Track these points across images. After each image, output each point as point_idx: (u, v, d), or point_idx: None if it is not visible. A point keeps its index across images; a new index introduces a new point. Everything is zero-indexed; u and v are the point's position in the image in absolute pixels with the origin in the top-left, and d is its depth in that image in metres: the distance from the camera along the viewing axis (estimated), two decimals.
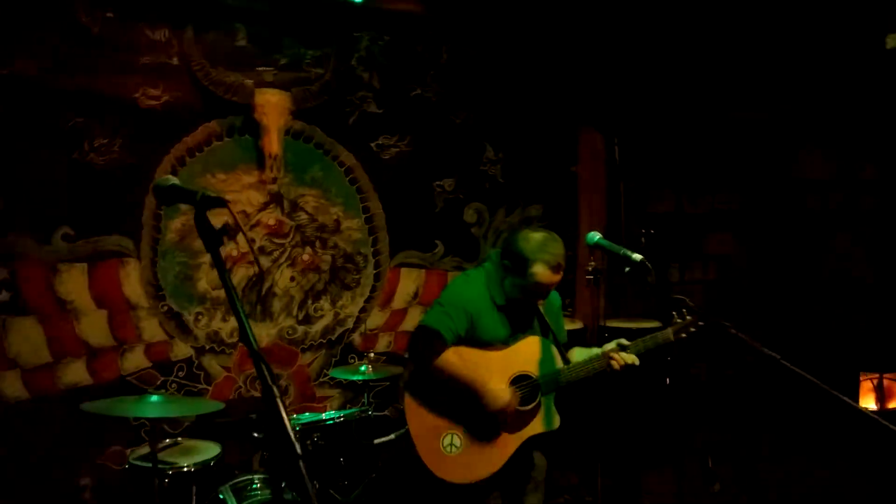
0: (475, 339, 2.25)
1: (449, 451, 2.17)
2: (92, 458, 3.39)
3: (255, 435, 2.89)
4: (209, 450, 2.90)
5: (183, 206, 3.62)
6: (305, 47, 3.91)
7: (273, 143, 3.74)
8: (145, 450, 2.87)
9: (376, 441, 2.74)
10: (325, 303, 4.00)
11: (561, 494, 3.75)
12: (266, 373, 1.21)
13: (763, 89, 5.02)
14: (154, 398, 2.54)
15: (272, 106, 3.73)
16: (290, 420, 2.94)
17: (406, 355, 2.31)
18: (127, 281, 3.52)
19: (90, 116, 3.41)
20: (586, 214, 4.87)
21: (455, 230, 4.36)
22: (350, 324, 4.06)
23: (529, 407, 2.26)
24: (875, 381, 4.34)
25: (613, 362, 2.24)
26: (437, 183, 4.32)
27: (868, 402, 4.38)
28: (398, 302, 4.21)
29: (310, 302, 3.96)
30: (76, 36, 3.35)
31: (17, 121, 3.25)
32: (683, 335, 2.31)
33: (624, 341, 2.29)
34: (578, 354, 2.37)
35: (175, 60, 3.58)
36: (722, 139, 5.23)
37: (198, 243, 3.67)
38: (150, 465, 2.66)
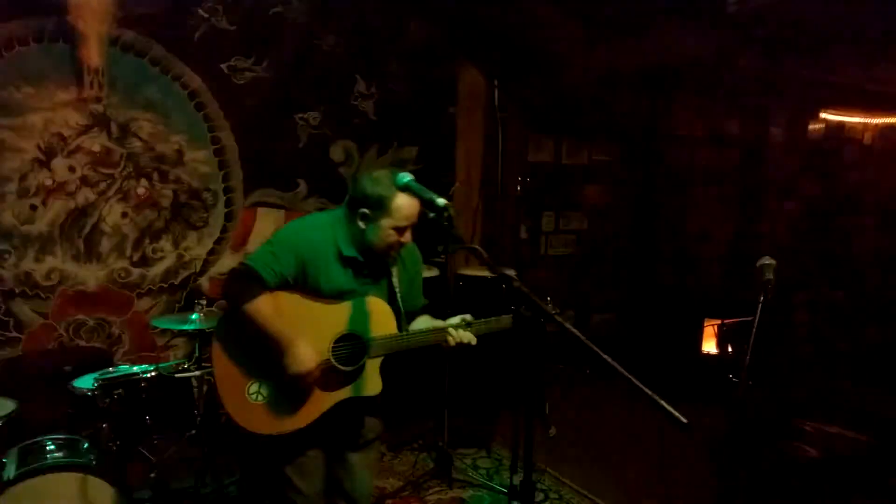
0: (308, 287, 2.02)
1: (254, 398, 2.00)
2: None
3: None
4: (2, 407, 2.46)
5: None
6: None
7: (93, 54, 3.18)
8: None
9: (177, 375, 2.46)
10: (165, 243, 3.55)
11: (416, 440, 3.64)
12: None
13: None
14: None
15: (90, 8, 3.15)
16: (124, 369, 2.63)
17: (221, 293, 2.00)
18: None
19: None
20: (463, 159, 4.66)
21: (320, 169, 4.00)
22: (196, 266, 3.64)
23: (350, 368, 2.07)
24: (716, 327, 4.55)
25: (450, 338, 2.09)
26: (301, 116, 3.92)
27: (710, 346, 4.61)
28: (254, 245, 3.82)
29: (147, 241, 3.50)
30: None
31: None
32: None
33: (468, 317, 2.15)
34: (422, 323, 2.19)
35: None
36: (601, 92, 5.16)
37: (2, 169, 3.10)
38: None
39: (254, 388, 1.98)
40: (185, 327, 2.83)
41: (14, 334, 3.17)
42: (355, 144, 4.13)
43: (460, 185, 4.45)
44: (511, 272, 1.89)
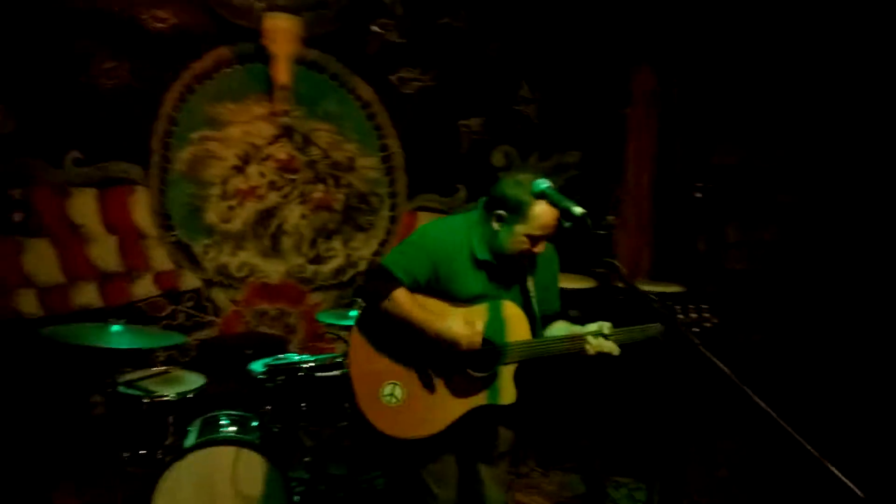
0: (440, 291, 2.02)
1: (388, 400, 2.02)
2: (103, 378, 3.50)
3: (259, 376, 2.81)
4: (193, 381, 2.89)
5: (192, 135, 3.57)
6: None
7: (282, 73, 3.56)
8: (134, 375, 2.92)
9: (317, 374, 2.62)
10: (336, 243, 3.88)
11: (569, 459, 3.56)
12: None
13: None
14: (115, 328, 2.52)
15: (281, 32, 3.52)
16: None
17: (361, 293, 2.13)
18: (136, 208, 3.53)
19: (98, 39, 3.35)
20: (634, 163, 4.41)
21: (481, 174, 4.06)
22: (362, 266, 3.93)
23: (485, 374, 2.02)
24: None
25: (588, 346, 1.98)
26: (464, 122, 4.01)
27: None
28: None
29: (321, 241, 3.85)
30: None
31: (26, 42, 3.24)
32: (693, 333, 2.02)
33: (607, 326, 2.02)
34: (558, 330, 2.11)
35: None
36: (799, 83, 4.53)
37: (207, 174, 3.62)
38: (131, 391, 2.71)
39: (388, 389, 2.01)
40: (344, 323, 3.09)
41: (211, 318, 3.71)
42: (516, 150, 4.13)
43: (626, 191, 4.23)
44: (651, 294, 1.76)
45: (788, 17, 4.18)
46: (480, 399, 2.04)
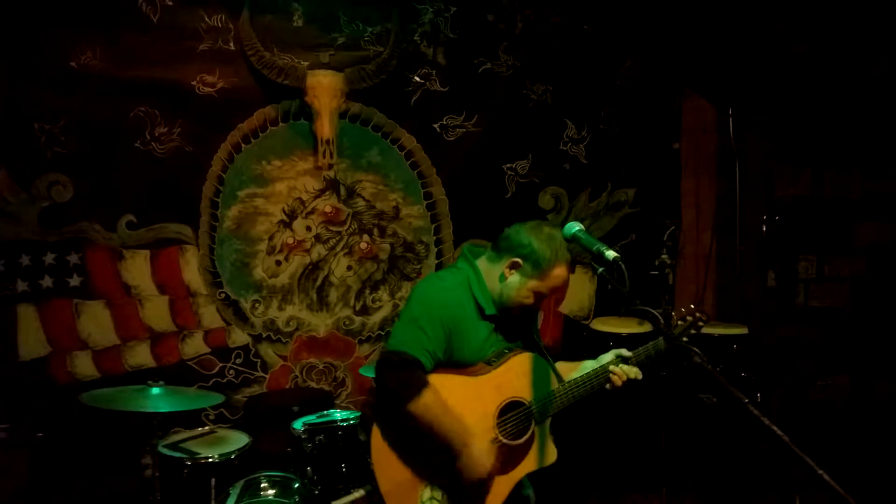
0: (452, 359, 1.87)
1: None
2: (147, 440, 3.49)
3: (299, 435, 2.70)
4: (237, 441, 2.84)
5: (240, 193, 3.62)
6: (364, 24, 3.70)
7: (325, 127, 3.60)
8: (178, 437, 2.89)
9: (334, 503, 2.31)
10: (383, 293, 3.81)
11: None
12: None
13: None
14: (155, 391, 2.50)
15: (323, 88, 3.57)
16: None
17: (375, 387, 1.90)
18: (186, 268, 3.58)
19: (151, 105, 3.48)
20: (690, 199, 4.20)
21: (528, 217, 3.76)
22: None
23: (522, 440, 1.88)
24: None
25: (615, 377, 1.85)
26: (509, 166, 3.93)
27: None
28: None
29: (367, 292, 3.79)
30: (137, 25, 3.41)
31: (84, 112, 3.39)
32: (685, 339, 1.90)
33: (624, 352, 1.89)
34: (568, 369, 1.97)
35: (231, 45, 3.55)
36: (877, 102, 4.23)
37: (254, 231, 3.65)
38: (174, 453, 2.68)
39: (426, 494, 1.82)
40: None
41: (260, 374, 3.67)
42: (565, 190, 4.00)
43: (681, 227, 4.01)
44: (695, 349, 1.58)
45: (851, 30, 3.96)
46: (528, 466, 1.90)
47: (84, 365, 3.45)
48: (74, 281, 3.44)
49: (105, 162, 3.44)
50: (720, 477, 3.41)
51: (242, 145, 3.60)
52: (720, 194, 4.23)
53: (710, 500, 3.44)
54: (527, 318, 2.00)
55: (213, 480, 2.67)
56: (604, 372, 1.87)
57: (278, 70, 3.57)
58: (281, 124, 3.64)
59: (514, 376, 1.90)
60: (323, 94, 3.58)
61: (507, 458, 1.87)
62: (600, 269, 1.72)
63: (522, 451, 1.89)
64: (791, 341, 4.37)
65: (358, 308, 3.78)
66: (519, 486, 1.94)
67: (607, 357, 1.90)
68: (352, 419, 2.73)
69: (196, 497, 2.64)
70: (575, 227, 1.84)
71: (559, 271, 1.86)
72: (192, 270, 3.59)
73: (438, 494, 1.83)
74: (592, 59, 3.95)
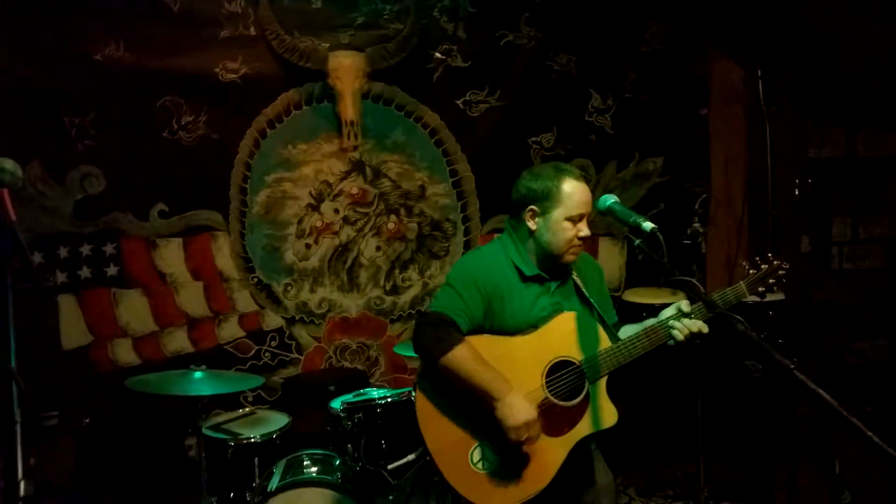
0: (495, 325, 1.84)
1: (482, 467, 1.75)
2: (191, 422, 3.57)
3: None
4: (277, 421, 2.89)
5: (267, 178, 3.64)
6: (383, 2, 3.66)
7: (348, 109, 3.59)
8: (219, 418, 2.95)
9: (390, 467, 2.30)
10: (412, 272, 3.82)
11: (671, 486, 3.28)
12: None
13: None
14: (197, 374, 2.55)
15: (345, 69, 3.56)
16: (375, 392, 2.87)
17: (413, 347, 1.87)
18: (219, 254, 3.63)
19: (177, 94, 3.51)
20: (720, 165, 4.12)
21: None
22: None
23: (576, 402, 1.81)
24: None
25: (676, 332, 1.76)
26: (534, 139, 3.89)
27: None
28: None
29: (397, 272, 3.81)
30: (158, 15, 3.43)
31: (111, 104, 3.43)
32: (762, 288, 1.82)
33: (684, 305, 1.80)
34: (631, 330, 1.92)
35: (252, 31, 3.55)
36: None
37: (283, 215, 3.68)
38: (218, 434, 2.74)
39: (477, 454, 1.77)
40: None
41: (295, 355, 3.72)
42: (591, 161, 3.95)
43: (713, 194, 3.94)
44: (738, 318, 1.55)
45: None
46: (583, 429, 1.82)
47: (125, 352, 3.54)
48: (111, 270, 3.52)
49: (134, 152, 3.49)
50: (756, 442, 3.39)
51: (268, 130, 3.62)
52: (751, 159, 4.14)
53: (744, 465, 3.42)
54: (570, 279, 1.93)
55: (256, 460, 2.72)
56: (663, 327, 1.78)
57: (299, 53, 3.56)
58: (304, 108, 3.65)
59: (559, 335, 1.84)
60: (345, 75, 3.57)
61: (561, 420, 1.80)
62: (637, 241, 1.69)
63: (577, 412, 1.81)
64: (826, 305, 4.30)
65: (388, 288, 3.80)
66: (584, 459, 1.89)
67: (668, 311, 1.82)
68: (389, 397, 2.76)
69: (240, 476, 2.70)
70: (610, 199, 1.82)
71: (570, 186, 1.82)
72: (224, 256, 3.63)
73: (490, 455, 1.77)
74: (616, 26, 3.87)
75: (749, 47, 4.02)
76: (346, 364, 3.78)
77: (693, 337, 1.75)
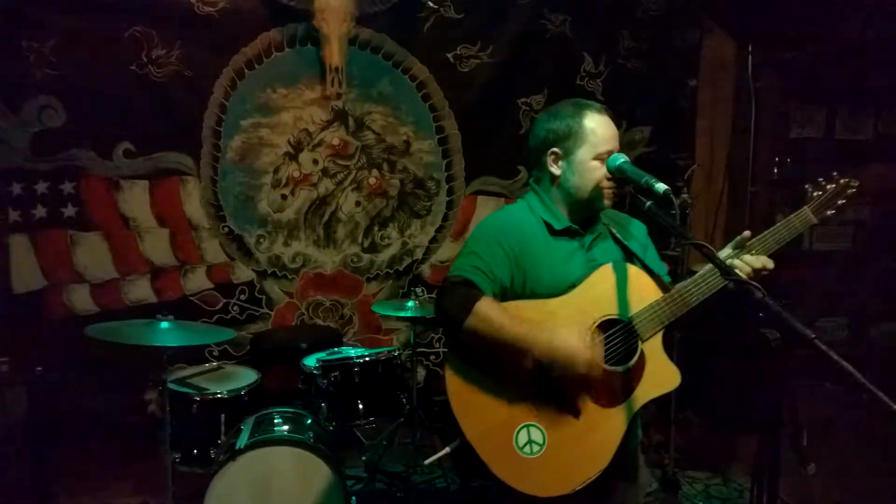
0: (527, 288, 1.59)
1: (530, 451, 1.51)
2: (154, 375, 3.40)
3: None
4: (246, 378, 2.75)
5: (243, 123, 3.43)
6: None
7: (334, 54, 3.40)
8: (184, 372, 2.80)
9: (427, 462, 1.99)
10: (392, 230, 3.69)
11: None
12: None
13: None
14: (164, 325, 2.37)
15: (332, 11, 3.35)
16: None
17: (435, 318, 1.61)
18: (188, 200, 3.43)
19: (148, 24, 3.25)
20: (705, 139, 4.09)
21: None
22: (419, 254, 3.74)
23: (631, 364, 1.57)
24: None
25: (739, 272, 1.52)
26: (524, 100, 3.77)
27: None
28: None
29: (376, 229, 3.67)
30: None
31: (75, 30, 3.16)
32: (831, 212, 1.68)
33: (745, 239, 1.61)
34: (684, 280, 1.67)
35: None
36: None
37: (259, 163, 3.49)
38: (183, 389, 2.59)
39: (523, 437, 1.51)
40: (400, 314, 2.89)
41: (265, 310, 3.57)
42: None
43: (699, 167, 3.91)
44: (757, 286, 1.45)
45: None
46: (642, 395, 1.58)
47: (81, 299, 3.33)
48: (69, 211, 3.28)
49: (98, 85, 3.23)
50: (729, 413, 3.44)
51: (246, 71, 3.40)
52: (735, 134, 4.13)
53: (713, 435, 3.47)
54: (607, 231, 1.71)
55: (222, 416, 2.57)
56: (724, 269, 1.47)
57: None
58: (287, 49, 3.44)
59: (603, 291, 1.59)
60: (332, 17, 3.36)
61: (615, 386, 1.57)
62: (648, 203, 1.56)
63: (633, 376, 1.57)
64: (795, 284, 4.36)
65: (366, 245, 3.67)
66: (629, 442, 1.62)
67: (727, 250, 1.62)
68: (367, 356, 2.65)
69: (205, 433, 2.55)
70: (620, 158, 1.65)
71: (593, 121, 1.61)
72: (193, 203, 3.43)
73: (539, 436, 1.52)
74: None
75: (744, 21, 3.97)
76: (319, 322, 3.64)
77: (759, 274, 1.54)
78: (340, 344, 3.24)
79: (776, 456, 1.69)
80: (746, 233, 1.62)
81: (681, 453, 3.15)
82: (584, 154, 1.61)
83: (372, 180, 3.63)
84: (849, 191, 1.69)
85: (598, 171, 1.61)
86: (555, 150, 1.64)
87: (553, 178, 1.66)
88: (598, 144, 1.61)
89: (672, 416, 3.06)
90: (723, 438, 3.44)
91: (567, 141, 1.62)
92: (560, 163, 1.64)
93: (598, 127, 1.62)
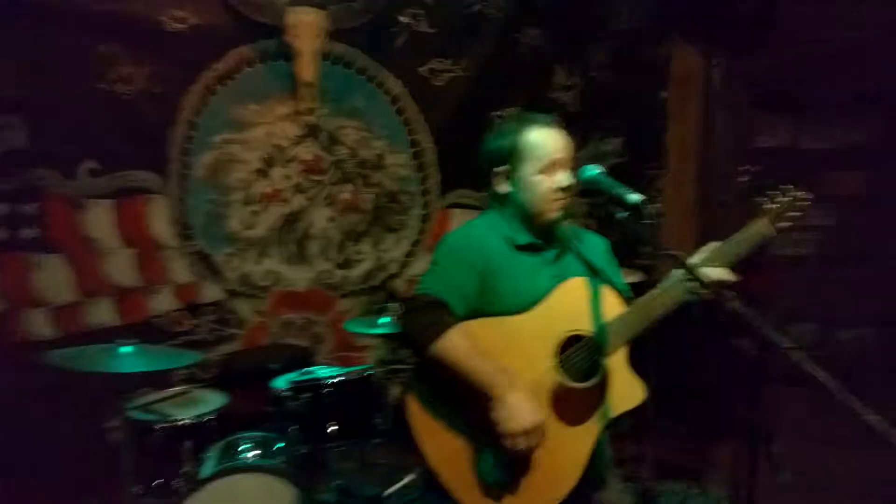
0: (494, 304, 1.59)
1: (491, 477, 1.51)
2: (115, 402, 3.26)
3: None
4: (213, 402, 2.62)
5: (214, 139, 3.36)
6: None
7: (306, 69, 3.36)
8: (148, 398, 2.66)
9: (385, 493, 1.91)
10: (365, 246, 3.63)
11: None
12: None
13: None
14: (124, 349, 2.26)
15: (305, 26, 3.33)
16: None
17: (402, 336, 1.61)
18: (154, 219, 3.33)
19: (116, 42, 3.17)
20: (676, 149, 4.14)
21: None
22: (394, 269, 3.68)
23: (594, 380, 1.56)
24: None
25: (704, 279, 1.51)
26: (498, 113, 3.77)
27: None
28: None
29: (349, 244, 3.61)
30: None
31: (42, 48, 3.07)
32: (784, 224, 1.65)
33: (713, 245, 1.62)
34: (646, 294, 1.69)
35: None
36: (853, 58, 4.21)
37: (229, 179, 3.42)
38: (144, 416, 2.46)
39: (485, 462, 1.51)
40: (373, 331, 2.81)
41: (235, 331, 3.46)
42: None
43: (671, 176, 3.94)
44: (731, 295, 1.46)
45: None
46: (607, 412, 1.58)
47: (40, 322, 3.18)
48: (30, 232, 3.15)
49: (63, 104, 3.13)
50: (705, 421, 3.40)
51: (216, 87, 3.34)
52: (704, 144, 4.18)
53: (690, 445, 3.43)
54: (567, 245, 1.72)
55: (187, 444, 2.43)
56: (681, 281, 1.53)
57: (255, 6, 3.31)
58: (258, 65, 3.39)
59: (566, 307, 1.59)
60: (304, 32, 3.34)
61: (580, 404, 1.56)
62: (622, 214, 1.55)
63: (597, 393, 1.56)
64: (765, 288, 4.38)
65: (339, 261, 3.60)
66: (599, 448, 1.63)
67: (696, 259, 1.61)
68: (339, 376, 2.56)
69: (169, 462, 2.41)
70: (594, 169, 1.65)
71: (534, 135, 1.62)
72: (160, 221, 3.33)
73: (501, 460, 1.50)
74: (585, 3, 3.79)
75: (706, 35, 4.05)
76: (291, 341, 3.54)
77: (718, 288, 1.50)
78: (313, 363, 3.14)
79: (753, 466, 1.67)
80: (713, 244, 1.62)
81: (658, 465, 3.10)
82: (527, 169, 1.62)
83: (345, 195, 3.58)
84: (801, 202, 1.70)
85: (542, 185, 1.62)
86: (500, 168, 1.65)
87: (505, 193, 1.66)
88: (541, 158, 1.62)
89: (647, 426, 3.02)
90: (700, 447, 3.41)
91: (511, 158, 1.63)
92: (512, 179, 1.65)
93: (540, 140, 1.62)
